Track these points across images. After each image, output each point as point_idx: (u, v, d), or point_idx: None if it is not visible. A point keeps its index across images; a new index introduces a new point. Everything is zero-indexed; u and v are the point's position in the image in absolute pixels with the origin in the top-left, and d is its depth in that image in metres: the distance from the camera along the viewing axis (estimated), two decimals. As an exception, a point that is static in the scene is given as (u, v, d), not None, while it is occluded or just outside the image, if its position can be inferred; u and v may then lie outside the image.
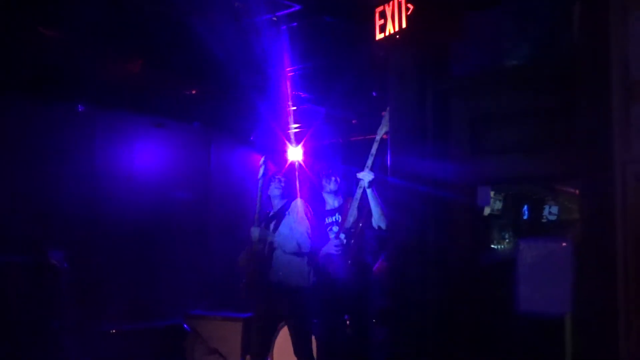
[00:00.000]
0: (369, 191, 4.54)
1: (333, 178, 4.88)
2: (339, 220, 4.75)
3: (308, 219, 4.95)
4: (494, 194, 2.82)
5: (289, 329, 5.02)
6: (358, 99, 5.76)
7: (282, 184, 5.09)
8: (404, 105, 2.98)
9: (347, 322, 4.64)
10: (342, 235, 4.60)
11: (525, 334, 2.61)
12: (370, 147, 4.53)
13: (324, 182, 4.89)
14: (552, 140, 2.57)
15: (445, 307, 2.73)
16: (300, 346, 4.90)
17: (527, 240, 2.65)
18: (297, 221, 4.91)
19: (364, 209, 4.61)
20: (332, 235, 4.68)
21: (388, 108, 3.44)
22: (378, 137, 4.46)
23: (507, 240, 2.86)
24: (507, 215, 2.85)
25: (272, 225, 5.06)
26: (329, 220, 4.82)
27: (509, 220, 2.86)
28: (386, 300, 4.10)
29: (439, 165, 2.80)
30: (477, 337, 2.69)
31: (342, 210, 4.81)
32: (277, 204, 5.11)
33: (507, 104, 2.67)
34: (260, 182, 5.13)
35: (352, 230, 4.60)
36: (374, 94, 5.17)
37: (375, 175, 4.46)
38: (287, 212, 5.05)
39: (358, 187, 4.59)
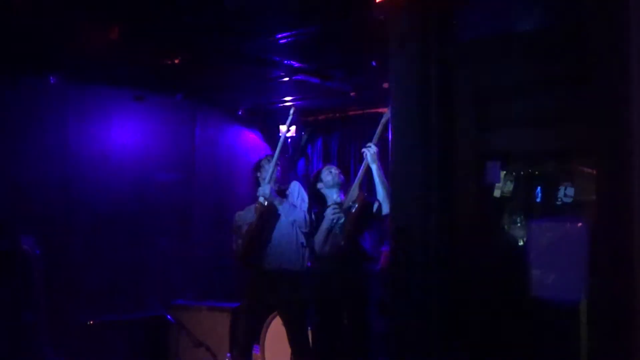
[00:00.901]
0: (374, 167, 4.54)
1: (336, 171, 4.87)
2: (340, 201, 4.79)
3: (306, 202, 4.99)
4: (505, 175, 2.83)
5: (282, 319, 5.06)
6: (357, 69, 5.74)
7: (278, 167, 5.10)
8: (405, 76, 2.97)
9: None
10: (338, 209, 4.63)
11: (536, 322, 2.64)
12: (373, 122, 4.54)
13: (325, 176, 4.88)
14: (565, 113, 2.57)
15: (450, 293, 2.75)
16: (294, 337, 4.94)
17: (538, 221, 2.67)
18: (303, 200, 4.94)
19: (363, 188, 4.64)
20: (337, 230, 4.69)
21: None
22: (384, 119, 4.45)
23: (518, 224, 2.87)
24: (518, 197, 2.86)
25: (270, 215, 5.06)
26: (330, 202, 4.84)
27: (520, 202, 2.87)
28: (386, 289, 4.14)
29: (443, 141, 2.81)
30: (485, 325, 2.72)
31: (343, 189, 4.85)
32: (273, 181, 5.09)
33: (517, 74, 2.68)
34: (282, 138, 5.08)
35: (347, 209, 4.62)
36: (373, 63, 5.15)
37: (380, 149, 4.45)
38: (285, 192, 5.08)
39: (363, 163, 4.60)
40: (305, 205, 4.94)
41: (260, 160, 5.25)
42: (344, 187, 4.89)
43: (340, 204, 4.72)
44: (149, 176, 6.66)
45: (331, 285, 4.70)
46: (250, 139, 7.66)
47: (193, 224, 7.12)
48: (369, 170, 4.62)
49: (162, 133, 6.90)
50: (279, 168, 5.08)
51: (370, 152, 4.52)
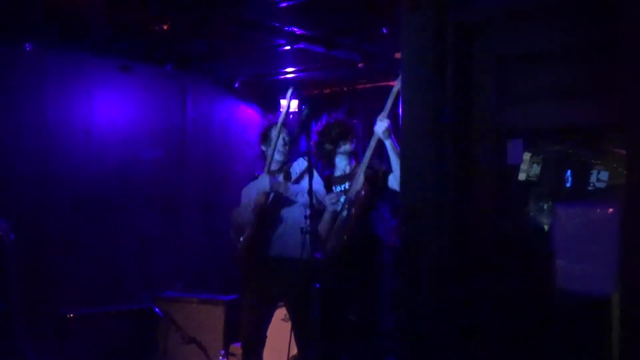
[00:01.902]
0: (388, 143, 4.49)
1: (351, 135, 4.82)
2: (347, 188, 4.74)
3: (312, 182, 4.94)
4: (531, 157, 2.81)
5: (289, 311, 5.05)
6: (365, 37, 5.71)
7: (286, 142, 4.97)
8: (419, 44, 2.95)
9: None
10: (342, 198, 4.61)
11: (562, 316, 2.63)
12: (383, 97, 4.50)
13: (340, 141, 4.82)
14: (593, 84, 2.54)
15: (466, 283, 2.74)
16: (303, 331, 4.89)
17: (565, 205, 2.65)
18: (302, 181, 4.86)
19: (376, 174, 4.60)
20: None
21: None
22: (395, 89, 4.41)
23: (545, 211, 2.86)
24: (545, 182, 2.84)
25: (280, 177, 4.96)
26: (337, 189, 4.81)
27: (548, 187, 2.85)
28: (397, 280, 4.14)
29: (459, 115, 2.79)
30: (505, 319, 2.71)
31: (350, 176, 4.80)
32: (278, 159, 5.00)
33: (542, 41, 2.64)
34: (282, 118, 4.86)
35: (354, 199, 4.58)
36: (384, 30, 5.12)
37: (392, 123, 4.41)
38: (290, 171, 5.01)
39: (371, 141, 4.56)
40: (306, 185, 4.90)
41: (266, 129, 5.04)
42: (356, 156, 4.84)
43: (345, 192, 4.69)
44: (134, 154, 6.66)
45: (337, 278, 4.67)
46: (248, 115, 7.64)
47: (183, 207, 7.14)
48: (377, 146, 4.58)
49: (150, 107, 6.90)
50: (280, 149, 4.93)
51: (382, 126, 4.48)
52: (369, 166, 4.58)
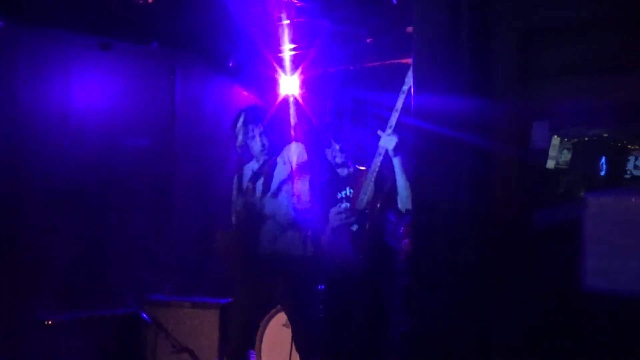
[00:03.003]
0: (395, 161, 4.50)
1: (337, 147, 4.81)
2: (351, 196, 4.72)
3: (308, 170, 4.95)
4: (561, 141, 2.79)
5: (287, 314, 5.08)
6: (373, 8, 5.68)
7: (264, 137, 5.08)
8: (432, 17, 2.93)
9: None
10: (353, 219, 4.58)
11: (592, 318, 2.61)
12: (394, 76, 4.48)
13: (327, 153, 4.83)
14: (627, 58, 2.52)
15: (485, 284, 2.72)
16: (301, 335, 4.95)
17: (596, 194, 2.62)
18: (295, 171, 4.91)
19: (385, 184, 4.57)
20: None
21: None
22: (405, 87, 4.38)
23: (576, 202, 2.83)
24: (577, 170, 2.82)
25: (259, 187, 5.05)
26: (339, 195, 4.80)
27: (580, 175, 2.83)
28: (409, 280, 4.12)
29: (478, 98, 2.76)
30: (528, 322, 2.69)
31: (354, 181, 4.77)
32: (260, 158, 5.12)
33: (570, 11, 2.62)
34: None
35: (367, 211, 4.57)
36: (394, 1, 5.10)
37: (401, 137, 4.40)
38: (277, 161, 5.04)
39: (377, 155, 4.54)
40: (305, 180, 4.91)
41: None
42: (351, 160, 4.82)
43: (346, 198, 4.68)
44: (118, 143, 6.67)
45: (341, 277, 4.67)
46: (243, 98, 7.61)
47: (173, 201, 7.15)
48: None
49: (134, 90, 6.89)
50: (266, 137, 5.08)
51: (391, 143, 4.46)
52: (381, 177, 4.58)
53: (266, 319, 5.60)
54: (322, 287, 4.86)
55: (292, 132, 5.79)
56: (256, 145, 5.06)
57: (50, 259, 6.07)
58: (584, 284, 2.59)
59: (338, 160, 4.79)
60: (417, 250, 2.94)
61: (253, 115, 5.07)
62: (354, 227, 4.56)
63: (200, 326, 6.11)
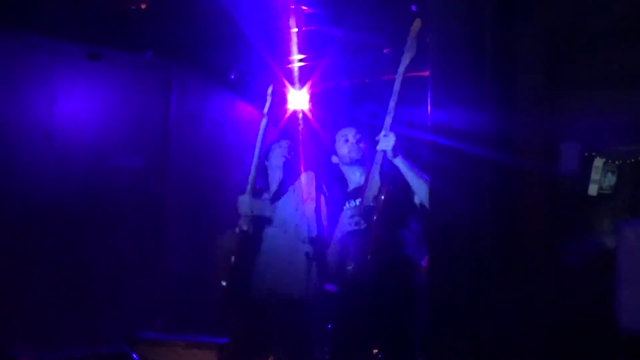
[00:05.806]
0: (397, 161, 4.53)
1: (354, 139, 4.84)
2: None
3: (320, 200, 4.97)
4: (603, 163, 2.79)
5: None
6: (391, 15, 5.71)
7: (289, 151, 5.25)
8: (451, 28, 2.97)
9: (379, 355, 4.66)
10: (356, 213, 4.62)
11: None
12: (415, 90, 4.53)
13: (340, 147, 4.86)
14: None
15: (511, 321, 2.73)
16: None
17: (632, 223, 2.62)
18: (305, 201, 4.94)
19: (387, 179, 4.60)
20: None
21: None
22: (400, 70, 4.45)
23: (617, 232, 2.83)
24: (623, 194, 2.82)
25: (267, 197, 5.12)
26: (350, 204, 4.82)
27: (626, 200, 2.84)
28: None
29: (501, 110, 2.78)
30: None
31: (363, 189, 4.81)
32: (277, 176, 5.16)
33: (603, 15, 2.64)
34: (264, 122, 5.20)
35: (373, 205, 4.59)
36: (413, 8, 5.13)
37: (399, 135, 4.44)
38: (288, 188, 5.09)
39: (377, 155, 4.58)
40: (312, 203, 4.93)
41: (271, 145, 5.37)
42: (370, 162, 4.85)
43: (359, 207, 4.69)
44: (105, 161, 6.69)
45: (356, 315, 4.65)
46: (246, 113, 7.64)
47: (165, 226, 7.16)
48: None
49: (125, 104, 6.93)
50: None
51: (389, 143, 4.49)
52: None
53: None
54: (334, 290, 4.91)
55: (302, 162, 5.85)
56: (276, 175, 5.24)
57: (26, 288, 6.06)
58: (618, 326, 2.59)
59: (354, 154, 4.81)
60: (433, 284, 2.95)
61: (283, 152, 5.21)
62: (363, 225, 4.57)
63: (195, 369, 6.11)
